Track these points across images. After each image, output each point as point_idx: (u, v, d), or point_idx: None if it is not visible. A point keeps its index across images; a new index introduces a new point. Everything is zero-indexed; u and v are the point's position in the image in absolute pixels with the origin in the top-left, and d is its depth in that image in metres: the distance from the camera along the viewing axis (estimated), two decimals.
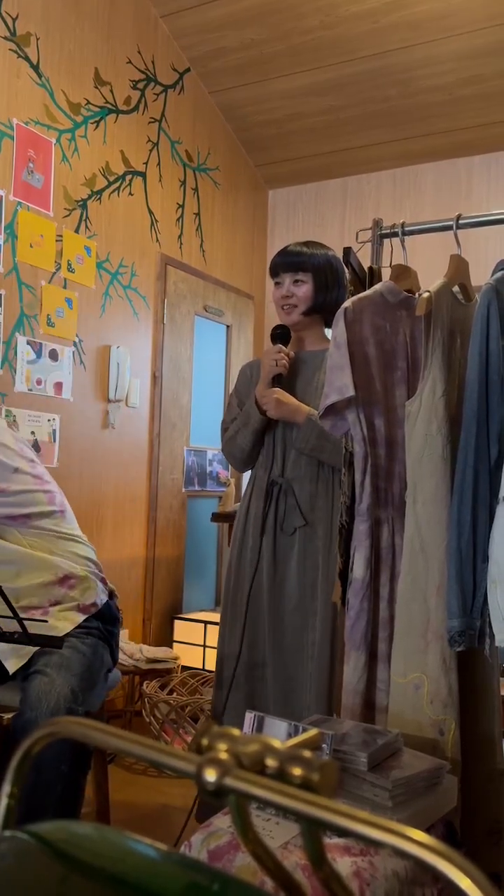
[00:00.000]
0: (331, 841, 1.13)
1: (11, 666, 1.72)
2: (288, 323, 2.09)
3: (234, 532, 2.16)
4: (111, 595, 1.95)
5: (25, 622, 1.46)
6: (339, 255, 1.94)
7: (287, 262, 2.07)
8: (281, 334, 2.08)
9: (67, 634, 1.73)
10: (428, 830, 1.30)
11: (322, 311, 2.09)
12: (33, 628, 1.54)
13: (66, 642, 1.68)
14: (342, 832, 0.39)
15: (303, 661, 1.98)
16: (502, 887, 1.67)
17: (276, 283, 2.10)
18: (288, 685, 1.99)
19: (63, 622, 1.77)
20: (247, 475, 2.24)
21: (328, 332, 2.07)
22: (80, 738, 0.49)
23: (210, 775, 0.42)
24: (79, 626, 1.79)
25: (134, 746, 0.46)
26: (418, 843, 0.36)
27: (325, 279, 2.06)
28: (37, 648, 1.70)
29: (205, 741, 0.44)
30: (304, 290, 2.05)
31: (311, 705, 1.93)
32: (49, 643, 1.53)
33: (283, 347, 2.05)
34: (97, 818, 1.91)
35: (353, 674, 1.69)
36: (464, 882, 0.35)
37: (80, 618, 1.80)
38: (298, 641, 1.99)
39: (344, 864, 1.10)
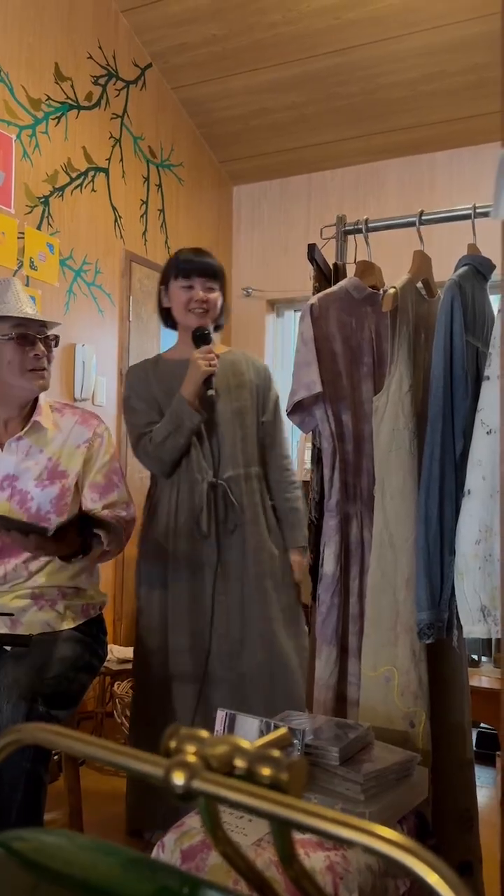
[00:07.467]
0: (304, 836, 1.13)
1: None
2: (205, 325, 2.09)
3: (147, 538, 2.11)
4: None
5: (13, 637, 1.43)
6: (305, 250, 1.94)
7: (203, 268, 2.08)
8: (204, 336, 2.08)
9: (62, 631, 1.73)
10: (400, 822, 1.31)
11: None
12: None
13: (59, 639, 1.67)
14: (312, 831, 0.39)
15: (255, 653, 2.01)
16: (474, 875, 1.69)
17: (186, 287, 2.08)
18: (241, 682, 2.01)
19: (65, 619, 1.76)
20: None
21: (215, 338, 2.15)
22: (45, 744, 0.48)
23: (178, 778, 0.41)
24: (76, 628, 1.77)
25: (101, 751, 0.46)
26: (386, 839, 0.37)
27: (223, 289, 2.14)
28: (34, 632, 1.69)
29: (172, 743, 0.44)
30: (215, 296, 2.10)
31: (273, 700, 1.96)
32: (15, 642, 1.50)
33: (211, 348, 2.06)
34: (69, 821, 1.89)
35: (324, 668, 1.70)
36: (431, 877, 0.35)
37: (81, 620, 1.79)
38: (252, 634, 2.02)
39: (317, 859, 1.10)
